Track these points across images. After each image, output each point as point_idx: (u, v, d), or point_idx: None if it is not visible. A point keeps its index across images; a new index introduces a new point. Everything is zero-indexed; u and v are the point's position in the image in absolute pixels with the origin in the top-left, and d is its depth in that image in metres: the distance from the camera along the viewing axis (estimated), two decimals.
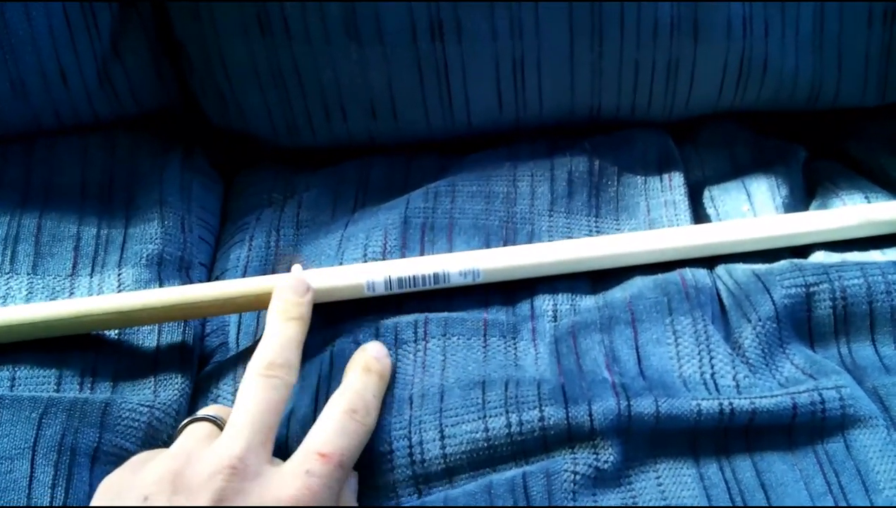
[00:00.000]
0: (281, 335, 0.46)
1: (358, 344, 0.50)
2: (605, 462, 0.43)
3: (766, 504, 0.42)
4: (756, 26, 0.59)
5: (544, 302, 0.52)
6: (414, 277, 0.52)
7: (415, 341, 0.50)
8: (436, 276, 0.52)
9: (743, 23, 0.59)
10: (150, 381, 0.50)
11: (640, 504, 0.42)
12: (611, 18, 0.57)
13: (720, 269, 0.53)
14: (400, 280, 0.51)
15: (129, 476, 0.40)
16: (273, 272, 0.56)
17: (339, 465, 0.41)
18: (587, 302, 0.52)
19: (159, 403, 0.48)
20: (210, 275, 0.59)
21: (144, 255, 0.55)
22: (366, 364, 0.47)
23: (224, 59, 0.59)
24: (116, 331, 0.52)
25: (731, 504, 0.42)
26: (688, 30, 0.58)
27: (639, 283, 0.52)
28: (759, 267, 0.52)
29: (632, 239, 0.53)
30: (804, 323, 0.50)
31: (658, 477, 0.43)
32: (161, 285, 0.54)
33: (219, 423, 0.44)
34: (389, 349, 0.49)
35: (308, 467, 0.40)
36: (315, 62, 0.58)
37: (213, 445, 0.41)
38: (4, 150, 0.59)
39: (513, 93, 0.60)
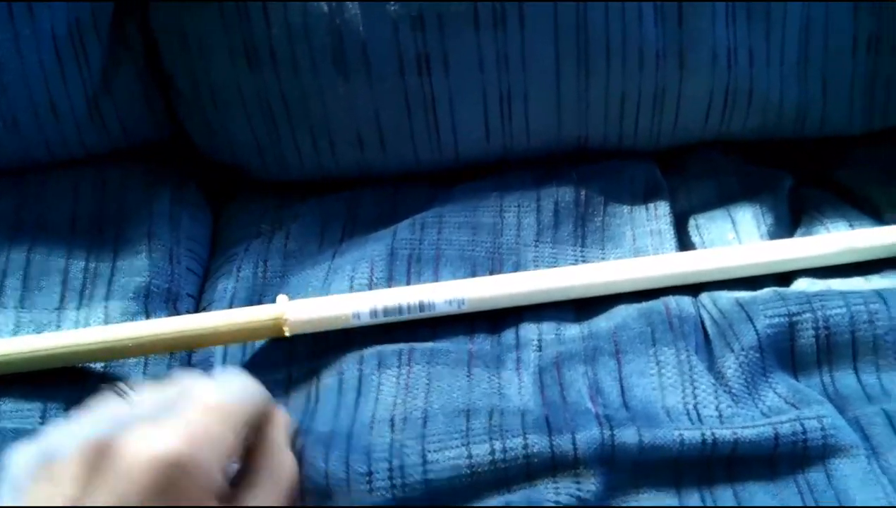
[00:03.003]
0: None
1: (342, 375, 0.51)
2: (588, 491, 0.43)
3: None
4: (741, 55, 0.59)
5: (529, 332, 0.53)
6: (399, 306, 0.52)
7: (398, 366, 0.50)
8: (421, 305, 0.52)
9: (728, 52, 0.59)
10: None
11: None
12: (597, 48, 0.58)
13: (704, 298, 0.54)
14: (386, 309, 0.52)
15: None
16: (260, 303, 0.57)
17: None
18: (572, 331, 0.53)
19: None
20: (198, 306, 0.59)
21: (132, 288, 0.55)
22: None
23: (212, 90, 0.60)
24: (103, 364, 0.52)
25: None
26: (673, 59, 0.59)
27: (623, 313, 0.52)
28: (743, 295, 0.52)
29: (616, 266, 0.54)
30: (787, 352, 0.50)
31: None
32: (148, 317, 0.54)
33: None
34: (372, 373, 0.50)
35: None
36: (303, 93, 0.58)
37: None
38: None
39: (500, 124, 0.60)
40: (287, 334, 0.51)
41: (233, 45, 0.57)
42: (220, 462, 0.39)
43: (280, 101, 0.59)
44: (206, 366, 0.54)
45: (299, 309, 0.51)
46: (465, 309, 0.53)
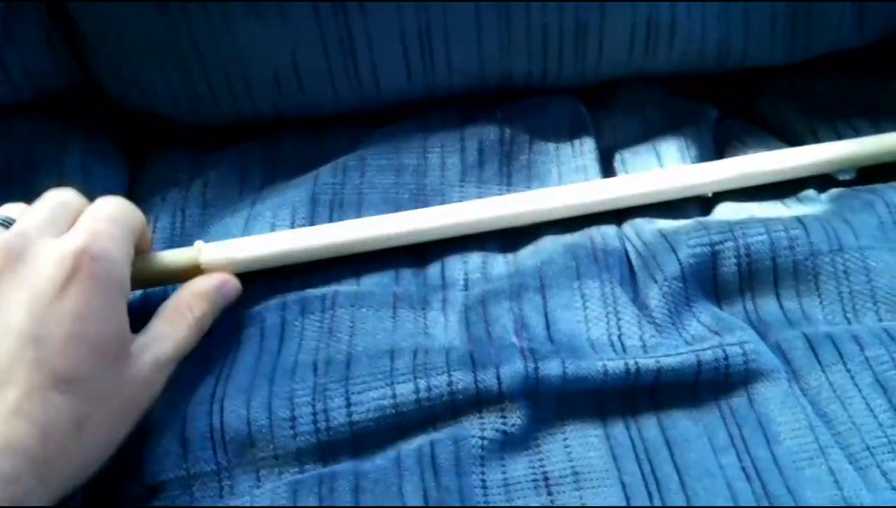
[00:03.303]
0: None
1: (264, 323, 0.49)
2: (513, 425, 0.43)
3: (671, 460, 0.42)
4: None
5: (455, 272, 0.52)
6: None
7: (322, 310, 0.49)
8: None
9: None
10: None
11: (548, 467, 0.42)
12: None
13: (628, 229, 0.53)
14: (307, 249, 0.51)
15: None
16: None
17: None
18: (498, 269, 0.52)
19: None
20: None
21: None
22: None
23: (119, 35, 0.57)
24: None
25: (636, 462, 0.42)
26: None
27: (549, 248, 0.52)
28: (666, 225, 0.52)
29: (538, 195, 0.53)
30: (710, 280, 0.50)
31: (566, 439, 0.43)
32: None
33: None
34: (295, 319, 0.49)
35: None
36: (214, 36, 0.56)
37: None
38: None
39: (421, 62, 0.59)
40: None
41: None
42: (124, 257, 0.44)
43: (191, 44, 0.56)
44: None
45: (217, 250, 0.50)
46: (391, 243, 0.52)
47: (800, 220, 0.51)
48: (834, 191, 0.56)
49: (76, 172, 0.58)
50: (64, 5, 0.58)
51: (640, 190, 0.54)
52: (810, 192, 0.56)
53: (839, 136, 0.59)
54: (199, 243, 0.51)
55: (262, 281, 0.52)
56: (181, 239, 0.56)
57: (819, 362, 0.46)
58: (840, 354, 0.45)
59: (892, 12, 0.63)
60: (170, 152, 0.62)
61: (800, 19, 0.62)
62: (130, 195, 0.61)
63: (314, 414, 0.44)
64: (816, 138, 0.60)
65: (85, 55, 0.60)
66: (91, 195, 0.57)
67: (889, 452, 0.42)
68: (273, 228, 0.53)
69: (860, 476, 0.41)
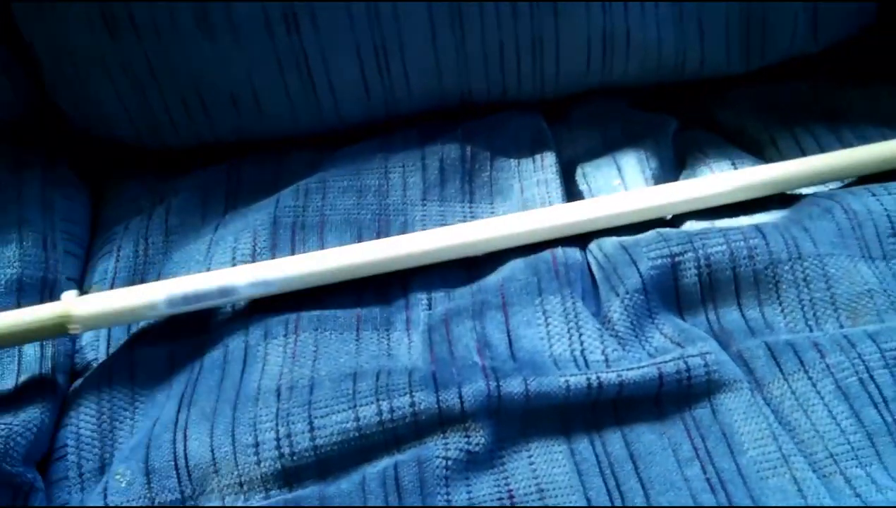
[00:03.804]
0: None
1: (227, 348, 0.49)
2: (477, 444, 0.43)
3: (636, 474, 0.42)
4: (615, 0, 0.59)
5: (419, 292, 0.52)
6: (197, 293, 0.49)
7: (285, 335, 0.49)
8: (222, 290, 0.49)
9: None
10: (11, 401, 0.48)
11: (512, 484, 0.42)
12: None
13: (592, 244, 0.54)
14: (185, 296, 0.49)
15: None
16: (142, 282, 0.55)
17: None
18: (461, 288, 0.52)
19: (18, 421, 0.47)
20: (81, 289, 0.56)
21: (3, 282, 0.53)
22: None
23: (74, 59, 0.57)
24: None
25: (601, 477, 0.42)
26: (547, 7, 0.58)
27: (511, 265, 0.52)
28: (627, 239, 0.52)
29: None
30: (671, 292, 0.50)
31: (530, 456, 0.43)
32: None
33: None
34: (258, 344, 0.48)
35: None
36: (167, 57, 0.56)
37: None
38: None
39: (379, 80, 0.59)
40: (74, 332, 0.48)
41: (90, 12, 0.54)
42: None
43: (145, 67, 0.56)
44: (91, 350, 0.52)
45: (102, 302, 0.49)
46: (273, 290, 0.50)
47: (759, 229, 0.51)
48: (790, 196, 0.56)
49: (35, 205, 0.57)
50: (17, 28, 0.58)
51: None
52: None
53: (798, 143, 0.60)
54: (67, 294, 0.49)
55: (223, 306, 0.51)
56: (144, 267, 0.56)
57: (781, 371, 0.46)
58: (801, 362, 0.46)
59: (845, 17, 0.64)
60: (132, 179, 0.62)
61: (754, 27, 0.63)
62: (93, 224, 0.61)
63: (278, 439, 0.44)
64: (775, 145, 0.60)
65: (42, 81, 0.60)
66: (52, 228, 0.57)
67: (852, 459, 0.42)
68: (234, 252, 0.53)
69: (824, 484, 0.41)
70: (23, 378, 0.49)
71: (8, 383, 0.49)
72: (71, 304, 0.48)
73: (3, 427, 0.46)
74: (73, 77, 0.57)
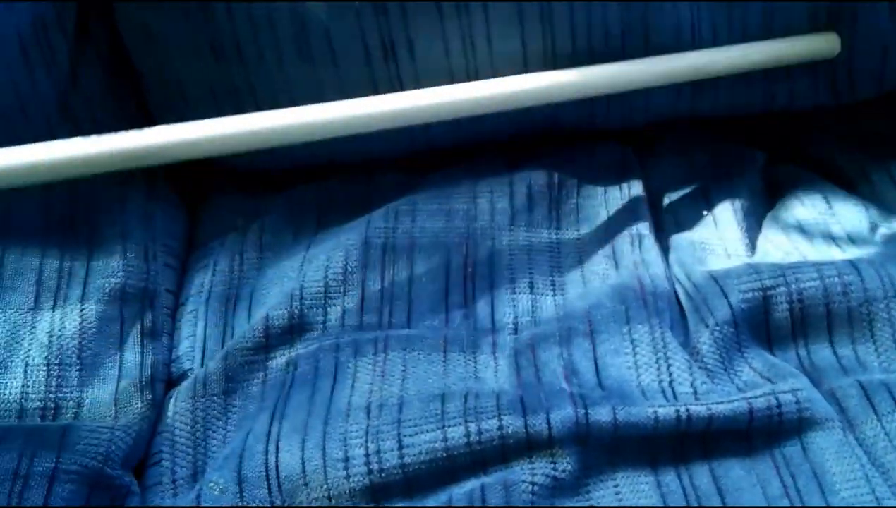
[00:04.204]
0: None
1: (318, 363, 0.50)
2: (563, 471, 0.43)
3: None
4: (704, 31, 0.59)
5: (505, 316, 0.53)
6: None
7: (374, 353, 0.50)
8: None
9: (692, 28, 0.59)
10: (110, 407, 0.50)
11: None
12: (561, 26, 0.58)
13: (678, 271, 0.54)
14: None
15: None
16: (236, 298, 0.57)
17: None
18: (548, 312, 0.53)
19: (119, 426, 0.49)
20: (177, 302, 0.59)
21: (107, 290, 0.55)
22: None
23: (181, 85, 0.59)
24: (78, 365, 0.52)
25: None
26: (638, 37, 0.58)
27: (597, 290, 0.52)
28: (717, 270, 0.52)
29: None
30: (762, 326, 0.50)
31: (616, 486, 0.43)
32: (122, 322, 0.54)
33: None
34: (348, 361, 0.50)
35: None
36: (270, 84, 0.58)
37: None
38: None
39: None
40: None
41: (197, 41, 0.57)
42: None
43: (248, 93, 0.59)
44: (188, 360, 0.54)
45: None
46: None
47: (853, 265, 0.51)
48: (886, 232, 0.56)
49: (138, 219, 0.60)
50: (127, 54, 0.61)
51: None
52: (863, 232, 0.56)
53: (893, 179, 0.59)
54: None
55: (315, 323, 0.53)
56: (239, 281, 0.57)
57: (875, 411, 0.45)
58: None
59: None
60: (227, 198, 0.64)
61: (840, 60, 0.62)
62: (190, 240, 0.63)
63: (367, 455, 0.45)
64: (868, 179, 0.59)
65: (148, 104, 0.63)
66: (153, 241, 0.59)
67: None
68: (327, 271, 0.55)
69: None
70: (123, 383, 0.51)
71: (109, 389, 0.51)
72: None
73: (105, 431, 0.48)
74: (179, 101, 0.60)
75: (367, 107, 0.53)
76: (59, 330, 0.53)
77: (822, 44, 0.60)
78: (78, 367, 0.52)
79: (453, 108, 0.54)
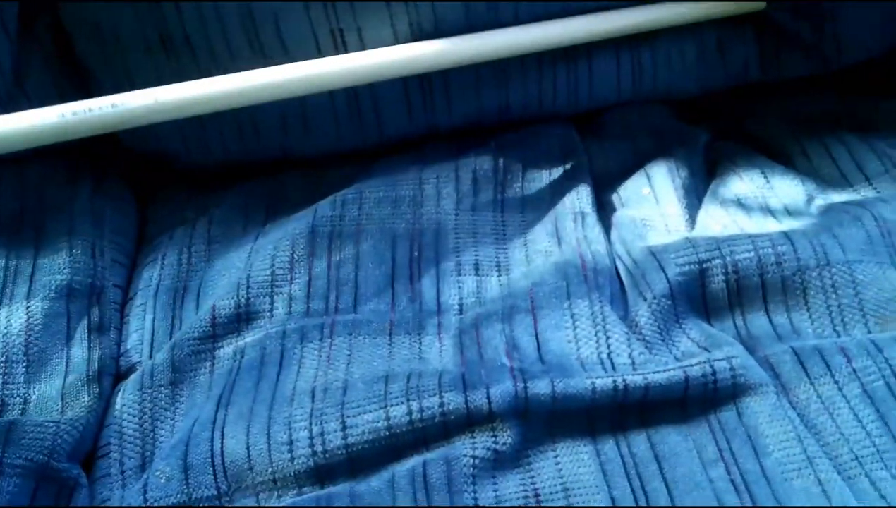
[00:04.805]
0: None
1: (265, 351, 0.51)
2: (504, 444, 0.44)
3: (660, 475, 0.43)
4: None
5: (450, 297, 0.53)
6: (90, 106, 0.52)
7: (320, 338, 0.50)
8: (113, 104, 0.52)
9: None
10: (57, 402, 0.50)
11: (538, 484, 0.43)
12: (506, 15, 0.58)
13: (619, 247, 0.54)
14: (74, 111, 0.52)
15: None
16: (184, 290, 0.57)
17: None
18: (492, 292, 0.53)
19: (66, 419, 0.49)
20: (125, 297, 0.59)
21: (53, 287, 0.55)
22: None
23: (132, 81, 0.59)
24: (25, 361, 0.52)
25: (626, 478, 0.43)
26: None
27: (540, 268, 0.53)
28: (656, 245, 0.53)
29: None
30: (699, 298, 0.51)
31: (556, 457, 0.44)
32: (69, 318, 0.54)
33: None
34: (294, 347, 0.50)
35: None
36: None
37: None
38: None
39: (421, 100, 0.61)
40: None
41: (147, 35, 0.57)
42: None
43: None
44: (136, 354, 0.54)
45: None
46: (164, 109, 0.53)
47: (787, 236, 0.52)
48: (822, 203, 0.57)
49: (86, 215, 0.60)
50: (75, 55, 0.61)
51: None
52: (800, 204, 0.57)
53: (829, 152, 0.60)
54: None
55: (263, 309, 0.53)
56: (187, 274, 0.58)
57: (807, 375, 0.46)
58: (828, 367, 0.46)
59: (869, 42, 0.64)
60: (177, 192, 0.64)
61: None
62: (139, 235, 0.63)
63: (311, 437, 0.45)
64: (806, 155, 0.60)
65: (95, 97, 0.63)
66: (100, 237, 0.60)
67: (877, 461, 0.42)
68: (273, 260, 0.55)
69: (848, 486, 0.41)
70: (70, 378, 0.51)
71: (56, 384, 0.51)
72: None
73: (51, 425, 0.48)
74: None
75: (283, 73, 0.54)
76: (5, 328, 0.53)
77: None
78: (24, 364, 0.52)
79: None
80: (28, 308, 0.54)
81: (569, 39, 0.58)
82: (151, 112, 0.53)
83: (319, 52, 0.58)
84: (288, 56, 0.58)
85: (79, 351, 0.53)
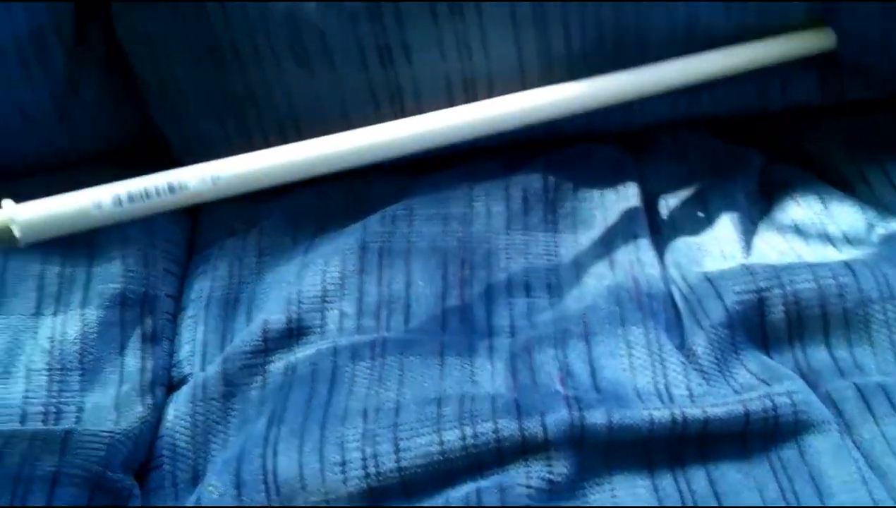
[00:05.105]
0: None
1: (316, 367, 0.51)
2: (559, 474, 0.43)
3: None
4: (699, 29, 0.59)
5: (501, 319, 0.53)
6: (146, 190, 0.48)
7: (371, 357, 0.50)
8: (171, 187, 0.49)
9: (687, 26, 0.59)
10: (111, 412, 0.51)
11: None
12: (555, 28, 0.58)
13: (673, 272, 0.54)
14: (130, 195, 0.48)
15: None
16: (235, 302, 0.57)
17: None
18: (543, 315, 0.53)
19: (120, 430, 0.49)
20: (177, 306, 0.59)
21: (107, 295, 0.55)
22: None
23: (180, 88, 0.60)
24: (80, 370, 0.52)
25: None
26: (633, 35, 0.59)
27: (592, 291, 0.53)
28: (712, 271, 0.52)
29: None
30: (758, 327, 0.50)
31: (612, 489, 0.44)
32: (123, 327, 0.55)
33: None
34: (346, 365, 0.50)
35: None
36: (268, 88, 0.58)
37: None
38: None
39: None
40: (19, 237, 0.46)
41: (195, 45, 0.57)
42: None
43: (247, 97, 0.59)
44: (188, 365, 0.55)
45: (37, 208, 0.46)
46: (222, 187, 0.50)
47: (849, 266, 0.51)
48: (883, 232, 0.56)
49: (138, 225, 0.60)
50: (125, 59, 0.61)
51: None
52: (860, 233, 0.56)
53: (891, 180, 0.59)
54: (7, 202, 0.46)
55: (314, 324, 0.53)
56: (238, 286, 0.58)
57: (872, 413, 0.45)
58: (893, 406, 0.45)
59: None
60: (226, 203, 0.64)
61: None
62: (190, 245, 0.63)
63: (364, 459, 0.45)
64: (866, 182, 0.59)
65: (148, 108, 0.63)
66: (152, 246, 0.60)
67: None
68: (324, 275, 0.55)
69: None
70: (124, 387, 0.52)
71: (110, 392, 0.52)
72: (13, 210, 0.46)
73: (105, 435, 0.48)
74: (179, 104, 0.61)
75: (371, 136, 0.52)
76: (61, 336, 0.53)
77: (818, 40, 0.60)
78: (79, 372, 0.52)
79: (453, 133, 0.54)
80: (83, 316, 0.54)
81: (637, 91, 0.57)
82: (208, 191, 0.50)
83: (366, 68, 0.58)
84: (334, 71, 0.58)
85: (132, 360, 0.53)
